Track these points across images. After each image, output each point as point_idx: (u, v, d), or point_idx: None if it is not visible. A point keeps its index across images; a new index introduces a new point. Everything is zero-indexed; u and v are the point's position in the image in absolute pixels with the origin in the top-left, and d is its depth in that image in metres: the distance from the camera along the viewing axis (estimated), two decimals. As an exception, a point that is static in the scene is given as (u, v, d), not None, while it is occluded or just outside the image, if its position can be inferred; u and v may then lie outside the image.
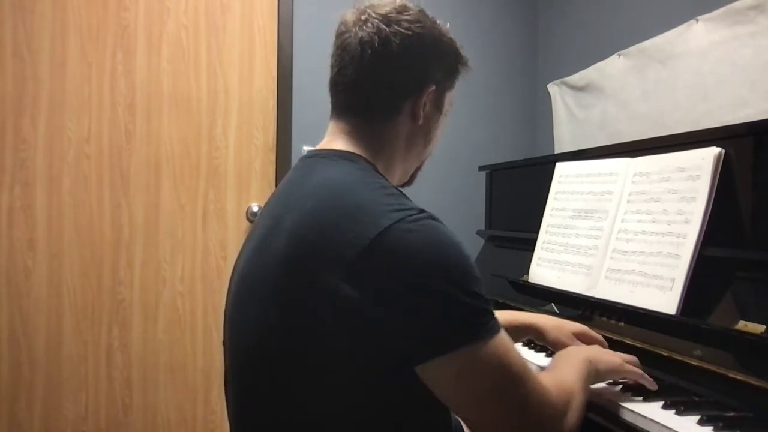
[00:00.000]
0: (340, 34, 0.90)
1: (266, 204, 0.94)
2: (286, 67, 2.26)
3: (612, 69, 2.07)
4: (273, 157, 2.26)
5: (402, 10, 0.87)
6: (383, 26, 0.85)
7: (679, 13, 1.77)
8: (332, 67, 0.91)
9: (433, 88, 0.89)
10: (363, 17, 0.87)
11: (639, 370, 0.97)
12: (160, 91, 2.14)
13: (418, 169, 0.98)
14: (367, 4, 0.89)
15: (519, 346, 1.34)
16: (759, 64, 1.50)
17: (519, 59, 2.63)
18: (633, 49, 1.96)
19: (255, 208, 2.21)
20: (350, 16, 0.89)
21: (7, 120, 1.99)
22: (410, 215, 0.73)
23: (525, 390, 0.73)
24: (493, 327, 0.72)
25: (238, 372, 0.84)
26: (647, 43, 1.89)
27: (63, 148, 2.04)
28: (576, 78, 2.28)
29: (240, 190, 2.23)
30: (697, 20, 1.68)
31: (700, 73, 1.68)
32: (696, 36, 1.69)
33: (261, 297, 0.78)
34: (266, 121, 2.26)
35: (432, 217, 0.75)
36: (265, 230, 0.83)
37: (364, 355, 0.72)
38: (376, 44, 0.84)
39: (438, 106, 0.92)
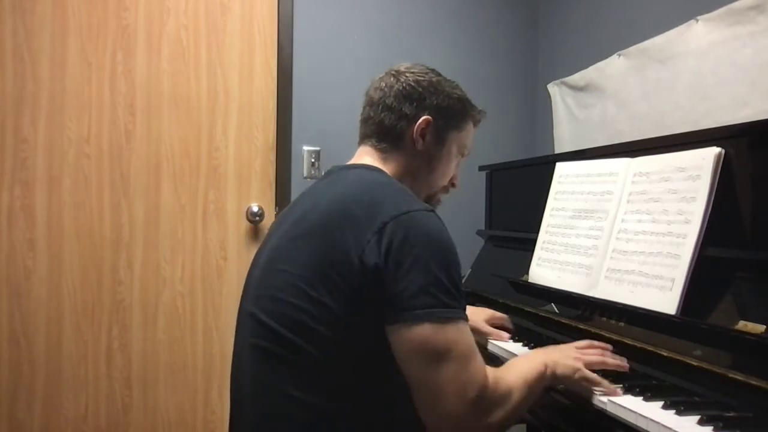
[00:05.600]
0: (367, 90, 1.16)
1: (294, 203, 1.12)
2: (286, 67, 2.26)
3: (612, 69, 2.07)
4: (273, 157, 2.26)
5: (413, 66, 1.13)
6: (392, 78, 1.12)
7: (679, 13, 1.77)
8: (361, 114, 1.16)
9: (429, 119, 1.09)
10: (383, 75, 1.14)
11: (594, 377, 1.00)
12: (160, 91, 2.14)
13: (432, 198, 1.17)
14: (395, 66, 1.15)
15: (511, 343, 1.35)
16: (759, 64, 1.50)
17: (519, 59, 2.63)
18: (633, 49, 1.96)
19: (255, 208, 2.21)
20: (377, 76, 1.15)
21: (7, 120, 1.99)
22: (426, 209, 0.94)
23: (461, 371, 0.85)
24: (454, 311, 0.87)
25: (259, 318, 0.98)
26: (647, 43, 1.89)
27: (63, 148, 2.04)
28: (576, 78, 2.28)
29: (240, 190, 2.23)
30: (697, 20, 1.68)
31: (700, 73, 1.68)
32: (696, 36, 1.69)
33: (301, 252, 0.95)
34: (266, 121, 2.26)
35: (439, 217, 0.95)
36: (301, 213, 1.01)
37: (364, 301, 0.88)
38: (385, 87, 1.11)
39: (440, 140, 1.12)
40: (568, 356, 1.03)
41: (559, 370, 0.99)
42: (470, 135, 1.20)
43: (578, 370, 1.00)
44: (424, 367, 0.85)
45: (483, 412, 0.86)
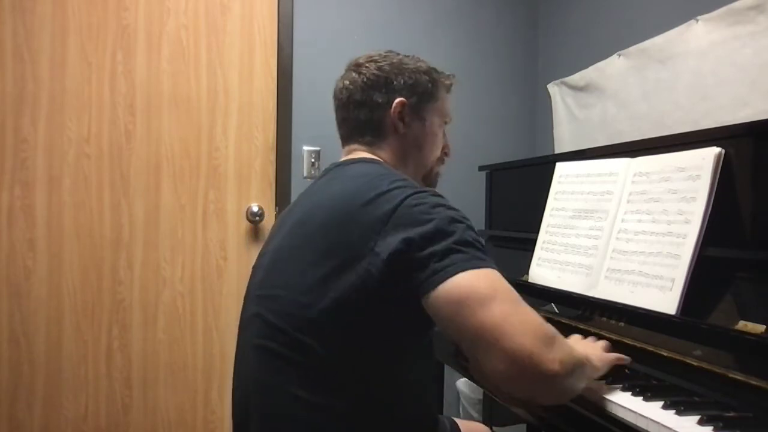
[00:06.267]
0: (333, 94, 1.15)
1: (294, 203, 1.11)
2: (286, 67, 2.26)
3: (612, 69, 2.07)
4: (273, 157, 2.26)
5: (371, 54, 1.12)
6: (353, 73, 1.11)
7: (679, 13, 1.77)
8: (335, 119, 1.15)
9: (402, 100, 1.08)
10: (344, 73, 1.13)
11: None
12: (160, 91, 2.14)
13: (430, 174, 1.17)
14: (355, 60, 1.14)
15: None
16: (759, 64, 1.50)
17: (519, 59, 2.63)
18: (633, 49, 1.96)
19: (255, 208, 2.21)
20: (341, 76, 1.14)
21: (7, 120, 1.99)
22: (426, 190, 0.94)
23: (514, 308, 0.80)
24: (487, 262, 0.84)
25: (268, 310, 0.97)
26: (647, 43, 1.89)
27: (63, 148, 2.04)
28: (576, 78, 2.28)
29: (240, 190, 2.23)
30: (697, 20, 1.68)
31: (700, 73, 1.68)
32: (696, 36, 1.69)
33: (305, 250, 0.94)
34: (266, 121, 2.26)
35: (442, 196, 0.95)
36: (303, 213, 1.00)
37: (370, 298, 0.87)
38: (349, 84, 1.10)
39: (419, 117, 1.11)
40: (590, 345, 1.03)
41: (597, 361, 0.96)
42: (447, 102, 1.18)
43: (612, 358, 1.00)
44: (475, 312, 0.78)
45: (555, 347, 0.78)
